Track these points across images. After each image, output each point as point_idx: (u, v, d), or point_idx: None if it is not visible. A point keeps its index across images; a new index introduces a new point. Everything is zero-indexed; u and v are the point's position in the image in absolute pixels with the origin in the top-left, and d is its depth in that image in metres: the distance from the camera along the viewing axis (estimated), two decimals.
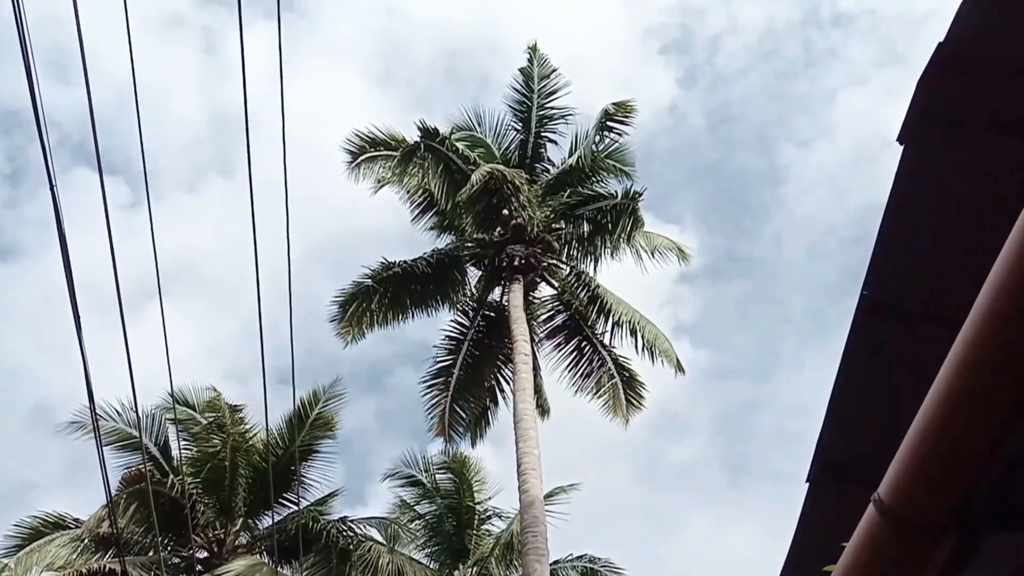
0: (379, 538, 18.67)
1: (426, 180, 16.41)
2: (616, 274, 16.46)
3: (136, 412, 13.12)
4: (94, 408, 6.71)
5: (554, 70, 17.02)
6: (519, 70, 17.04)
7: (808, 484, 4.09)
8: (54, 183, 4.83)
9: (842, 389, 3.71)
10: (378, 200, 17.26)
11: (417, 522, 19.98)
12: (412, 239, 17.28)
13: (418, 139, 15.68)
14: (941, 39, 3.01)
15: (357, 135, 16.50)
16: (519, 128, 17.21)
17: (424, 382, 16.60)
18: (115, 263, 5.47)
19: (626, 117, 15.93)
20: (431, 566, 19.26)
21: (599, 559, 18.96)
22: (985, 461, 1.91)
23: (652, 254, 16.50)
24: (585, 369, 16.52)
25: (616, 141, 16.31)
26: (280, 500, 17.92)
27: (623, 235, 15.45)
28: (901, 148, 3.28)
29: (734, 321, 43.63)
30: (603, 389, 16.34)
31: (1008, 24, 3.11)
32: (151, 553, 17.21)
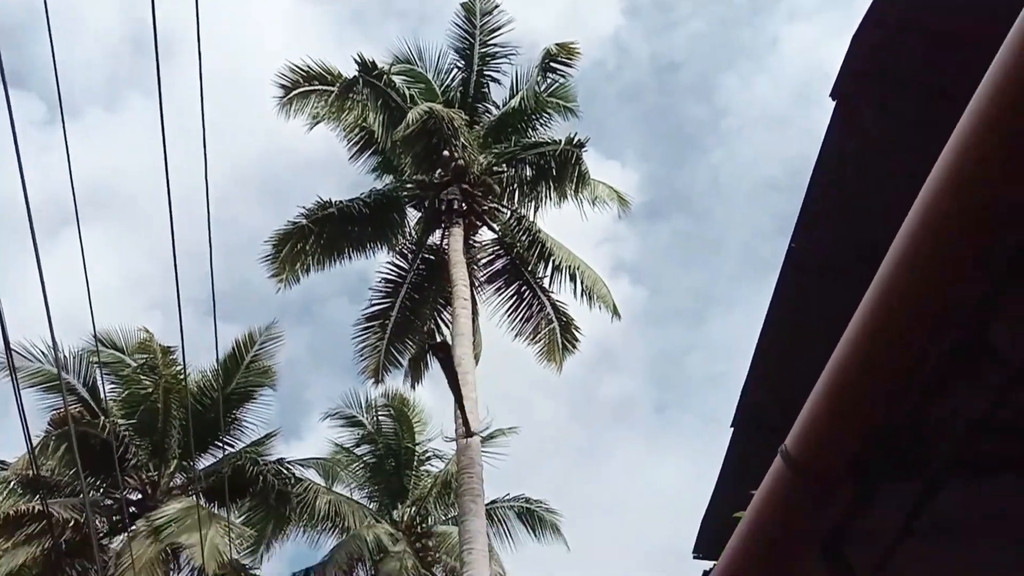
0: (317, 479, 18.78)
1: (364, 117, 15.95)
2: (556, 214, 16.42)
3: (56, 353, 12.74)
4: (10, 353, 6.45)
5: (496, 6, 16.62)
6: (460, 5, 16.58)
7: (732, 430, 4.23)
8: None
9: (766, 339, 3.81)
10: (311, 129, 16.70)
11: (357, 464, 20.11)
12: (345, 168, 16.83)
13: (356, 73, 15.17)
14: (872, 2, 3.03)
15: (291, 68, 15.88)
16: (461, 66, 16.83)
17: (358, 324, 16.47)
18: (28, 203, 5.19)
19: (569, 59, 15.72)
20: (369, 506, 19.48)
21: (535, 500, 19.44)
22: (880, 417, 1.99)
23: (593, 203, 16.51)
24: (525, 314, 16.61)
25: (559, 82, 16.12)
26: (216, 442, 17.79)
27: (569, 187, 15.42)
28: (833, 103, 3.32)
29: (672, 259, 44.45)
30: (541, 334, 16.49)
31: None
32: (81, 495, 16.96)
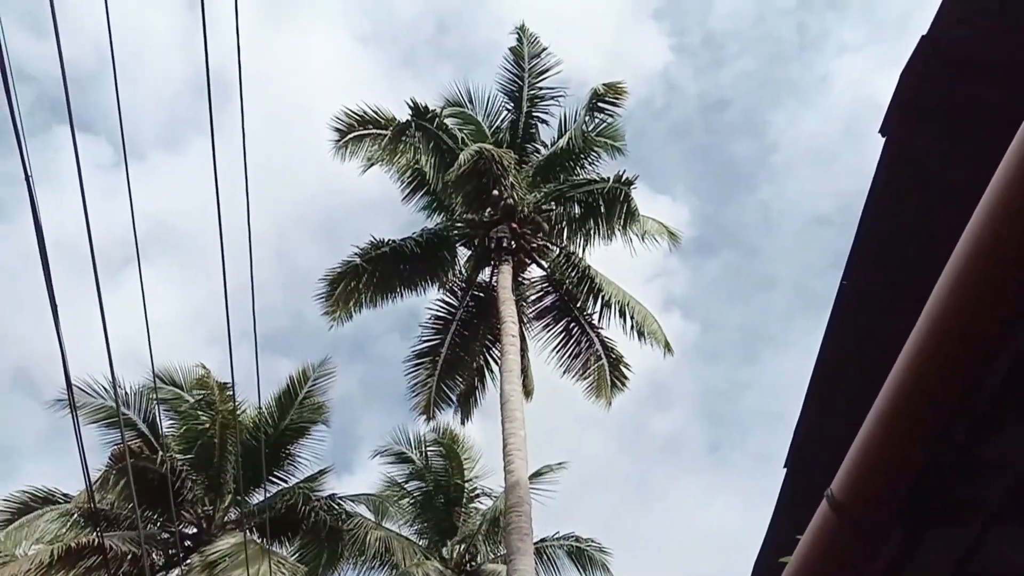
0: (368, 514, 18.84)
1: (416, 159, 16.33)
2: (606, 251, 16.48)
3: (115, 390, 13.11)
4: (72, 397, 6.69)
5: (544, 49, 16.92)
6: (509, 50, 16.93)
7: (785, 470, 4.17)
8: (24, 146, 4.79)
9: (819, 378, 3.76)
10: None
11: (406, 499, 20.14)
12: (398, 206, 17.17)
13: (409, 117, 15.57)
14: (924, 32, 3.03)
15: (346, 113, 16.38)
16: (510, 108, 17.13)
17: (408, 360, 16.64)
18: (92, 247, 5.43)
19: (616, 98, 15.87)
20: (419, 542, 19.44)
21: (584, 539, 19.18)
22: (931, 461, 1.96)
23: (643, 238, 16.51)
24: (573, 350, 16.59)
25: (606, 121, 16.26)
26: (270, 478, 18.03)
27: (617, 224, 15.46)
28: (883, 140, 3.31)
29: (723, 295, 43.93)
30: (589, 371, 16.43)
31: (991, 18, 3.13)
32: (139, 529, 17.29)
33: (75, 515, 17.44)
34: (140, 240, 5.90)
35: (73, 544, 15.77)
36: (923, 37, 3.03)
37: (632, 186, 14.91)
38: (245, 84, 5.50)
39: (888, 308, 3.67)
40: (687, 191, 43.18)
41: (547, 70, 16.82)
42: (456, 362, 16.48)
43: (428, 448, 19.95)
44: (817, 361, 3.79)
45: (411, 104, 15.36)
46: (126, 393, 17.41)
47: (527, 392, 16.73)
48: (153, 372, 15.29)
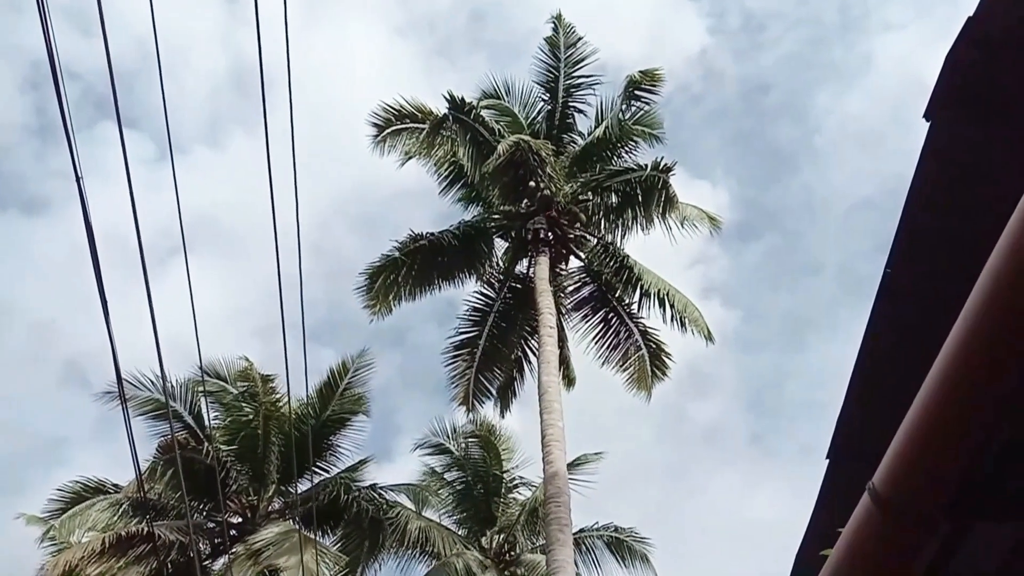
0: (408, 504, 19.04)
1: (453, 152, 16.40)
2: (644, 239, 16.33)
3: (164, 383, 13.38)
4: (123, 390, 6.86)
5: (580, 39, 16.83)
6: (544, 39, 16.86)
7: (827, 461, 4.12)
8: (74, 145, 4.91)
9: (862, 369, 3.71)
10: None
11: (445, 489, 20.31)
12: (435, 196, 17.27)
13: (446, 110, 15.62)
14: (971, 13, 2.96)
15: (383, 108, 16.49)
16: (546, 98, 17.07)
17: (447, 352, 16.75)
18: (140, 242, 5.57)
19: (653, 85, 15.72)
20: (459, 532, 19.60)
21: (624, 529, 19.15)
22: (977, 454, 1.92)
23: (682, 224, 16.36)
24: (612, 341, 16.53)
25: (643, 109, 16.12)
26: (313, 468, 18.31)
27: (656, 211, 15.32)
28: (927, 124, 3.25)
29: (765, 281, 43.39)
30: (629, 361, 16.36)
31: None
32: (187, 519, 17.71)
33: (125, 505, 17.93)
34: (172, 235, 6.02)
35: (123, 533, 16.21)
36: (969, 19, 2.97)
37: (671, 173, 14.78)
38: (284, 78, 5.59)
39: (932, 296, 3.61)
40: (727, 175, 42.68)
41: (583, 59, 16.74)
42: (494, 354, 16.54)
43: (466, 439, 20.09)
44: (860, 350, 3.74)
45: (448, 97, 15.41)
46: (173, 386, 17.81)
47: (569, 381, 16.72)
48: (200, 364, 15.63)
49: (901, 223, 3.44)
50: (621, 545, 18.95)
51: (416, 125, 16.63)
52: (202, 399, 18.40)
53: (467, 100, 15.71)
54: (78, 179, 4.69)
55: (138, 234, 5.87)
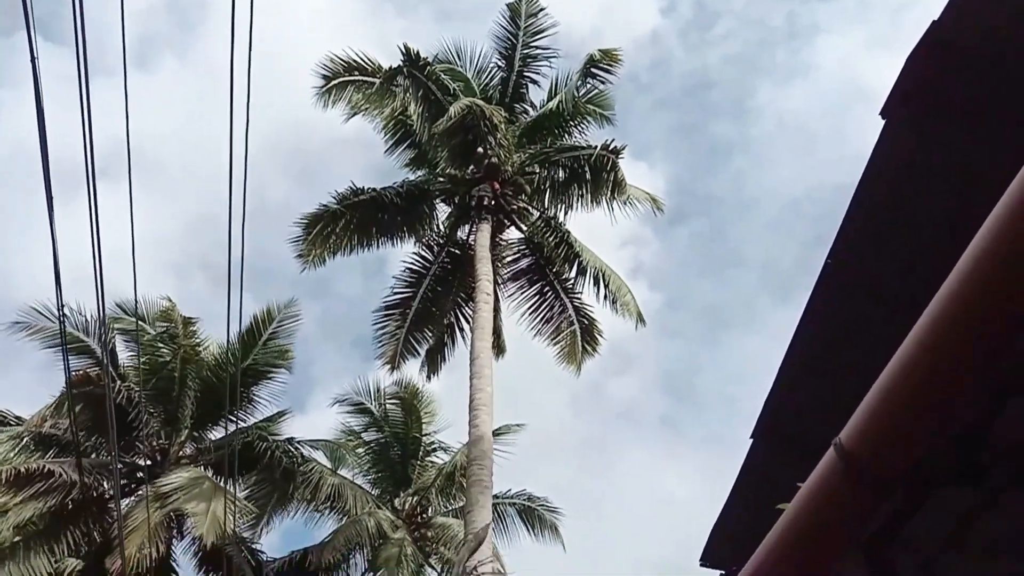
0: (324, 461, 18.90)
1: (402, 110, 16.10)
2: (582, 214, 16.41)
3: (60, 315, 12.86)
4: (64, 325, 6.55)
5: (542, 9, 16.70)
6: (506, 5, 16.67)
7: (752, 439, 4.24)
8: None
9: (795, 352, 3.82)
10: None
11: (362, 448, 20.22)
12: (372, 146, 16.97)
13: (400, 63, 15.29)
14: (935, 18, 3.03)
15: (331, 59, 16.07)
16: (501, 66, 16.91)
17: (378, 311, 16.58)
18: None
19: (611, 65, 15.74)
20: (373, 492, 19.57)
21: (537, 497, 19.45)
22: (946, 421, 1.99)
23: (625, 204, 16.51)
24: (546, 314, 16.65)
25: (597, 88, 16.15)
26: (230, 416, 17.95)
27: (604, 191, 15.41)
28: (882, 122, 3.33)
29: (692, 265, 44.40)
30: (561, 335, 16.51)
31: (1001, 11, 3.14)
32: (93, 456, 17.18)
33: (26, 438, 17.25)
34: (99, 161, 5.71)
35: (23, 469, 15.61)
36: (933, 23, 3.04)
37: (620, 156, 14.88)
38: (221, 9, 5.35)
39: (870, 289, 3.74)
40: (664, 159, 43.33)
41: (543, 30, 16.63)
42: (426, 316, 16.45)
43: (388, 400, 20.01)
44: (795, 335, 3.84)
45: (403, 49, 15.09)
46: (86, 320, 17.15)
47: (500, 351, 16.78)
48: (98, 293, 15.06)
49: (848, 215, 3.54)
50: (532, 514, 19.25)
51: (365, 79, 16.25)
52: (118, 336, 17.80)
53: (422, 55, 15.42)
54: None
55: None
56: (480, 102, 14.93)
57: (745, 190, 44.29)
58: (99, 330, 17.34)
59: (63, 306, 6.10)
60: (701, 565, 4.86)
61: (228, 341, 14.02)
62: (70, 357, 17.16)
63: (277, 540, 28.71)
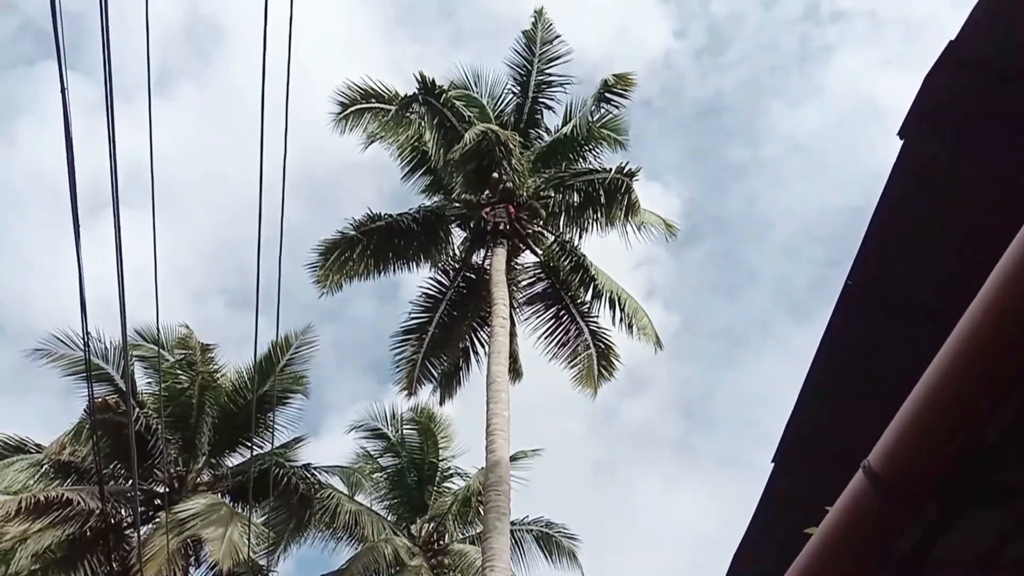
0: (341, 486, 18.86)
1: (418, 136, 16.27)
2: (596, 237, 16.42)
3: (85, 342, 12.94)
4: (89, 362, 6.60)
5: (557, 36, 16.87)
6: (522, 32, 16.86)
7: (773, 462, 4.19)
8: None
9: (817, 373, 3.77)
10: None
11: (379, 474, 20.18)
12: (386, 170, 17.08)
13: (416, 91, 15.48)
14: (952, 38, 3.03)
15: (349, 86, 16.28)
16: (516, 92, 17.06)
17: (395, 336, 16.64)
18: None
19: (625, 90, 15.84)
20: (389, 518, 19.49)
21: (555, 524, 19.29)
22: (974, 441, 1.96)
23: (639, 229, 16.55)
24: (562, 338, 16.63)
25: (612, 113, 16.24)
26: (244, 442, 17.97)
27: (618, 215, 15.45)
28: (901, 143, 3.32)
29: (707, 292, 44.25)
30: (578, 359, 16.47)
31: (1018, 29, 3.13)
32: (111, 484, 17.22)
33: (46, 465, 17.34)
34: (121, 184, 5.79)
35: (42, 497, 15.65)
36: (950, 43, 3.03)
37: (635, 178, 14.92)
38: (235, 35, 5.45)
39: (891, 310, 3.70)
40: (679, 180, 43.34)
41: (558, 57, 16.78)
42: (443, 341, 16.47)
43: (404, 425, 19.99)
44: (816, 356, 3.80)
45: (419, 78, 15.27)
46: (105, 348, 17.27)
47: (517, 375, 16.76)
48: (123, 322, 15.16)
49: (867, 235, 3.51)
50: (550, 540, 19.09)
51: (381, 106, 16.45)
52: (136, 363, 17.91)
53: (437, 83, 15.59)
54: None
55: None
56: (495, 127, 15.06)
57: (759, 211, 44.23)
58: (119, 357, 17.47)
59: (88, 335, 6.13)
60: None
61: (255, 361, 14.05)
62: (87, 384, 17.32)
63: (293, 569, 28.57)
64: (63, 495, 15.79)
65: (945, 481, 1.94)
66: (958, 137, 3.38)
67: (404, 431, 20.08)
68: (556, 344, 16.63)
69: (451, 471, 20.24)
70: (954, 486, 2.07)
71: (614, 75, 15.71)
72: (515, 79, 16.97)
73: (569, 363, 16.50)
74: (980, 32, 3.01)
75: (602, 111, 16.04)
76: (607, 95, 15.85)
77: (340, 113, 16.42)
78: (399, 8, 41.64)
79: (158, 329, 15.96)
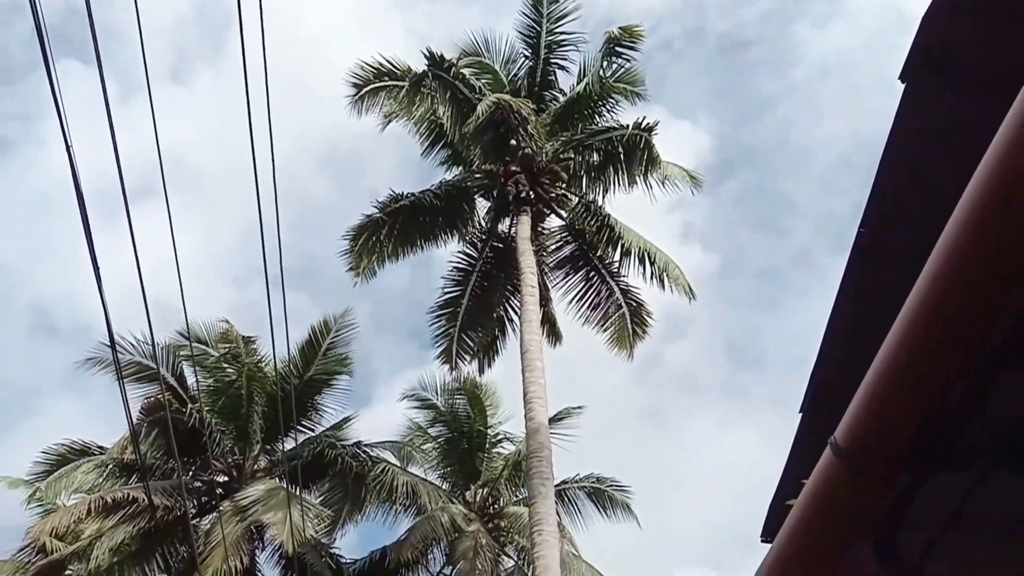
0: (393, 459, 19.29)
1: (433, 110, 16.26)
2: (623, 194, 16.33)
3: (152, 343, 13.37)
4: (115, 350, 6.88)
5: None
6: None
7: (800, 415, 4.26)
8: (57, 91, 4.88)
9: (836, 326, 3.82)
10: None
11: (430, 444, 20.57)
12: (404, 139, 17.06)
13: (425, 67, 15.44)
14: None
15: (361, 66, 16.28)
16: (528, 55, 16.90)
17: (431, 311, 16.85)
18: (126, 198, 5.54)
19: (633, 42, 15.59)
20: (443, 486, 19.91)
21: (605, 478, 19.54)
22: (933, 407, 2.03)
23: (663, 183, 16.42)
24: (593, 300, 16.67)
25: (624, 67, 16.01)
26: (297, 427, 18.46)
27: (638, 171, 15.34)
28: (902, 86, 3.30)
29: (744, 221, 43.72)
30: (610, 320, 16.52)
31: None
32: (174, 477, 17.85)
33: (111, 465, 18.03)
34: (145, 175, 5.99)
35: (109, 499, 16.30)
36: None
37: (653, 132, 14.77)
38: (247, 13, 5.51)
39: (905, 257, 3.71)
40: (708, 115, 42.60)
41: (566, 14, 16.56)
42: (477, 313, 16.63)
43: (452, 394, 20.28)
44: (833, 310, 3.84)
45: (427, 54, 15.21)
46: (152, 348, 17.75)
47: (556, 338, 16.90)
48: (186, 320, 15.56)
49: (875, 184, 3.52)
50: (602, 495, 19.35)
51: (395, 83, 16.44)
52: (184, 362, 18.41)
53: (447, 57, 15.54)
54: (68, 148, 4.65)
55: (122, 183, 5.84)
56: (507, 96, 14.98)
57: (792, 138, 43.43)
58: (168, 356, 18.00)
59: (115, 343, 6.38)
60: (763, 541, 4.89)
61: (274, 351, 14.36)
62: (142, 385, 17.88)
63: (355, 541, 29.39)
64: (128, 494, 16.44)
65: (908, 450, 2.02)
66: (961, 80, 3.36)
67: (452, 401, 20.37)
68: (588, 307, 16.68)
69: (500, 436, 20.53)
70: (917, 454, 2.15)
71: (619, 28, 15.47)
72: (525, 41, 16.80)
73: (602, 325, 16.56)
74: None
75: (614, 65, 15.84)
76: (616, 49, 15.63)
77: (355, 95, 16.47)
78: None
79: (187, 325, 16.31)
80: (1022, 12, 3.12)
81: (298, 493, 17.16)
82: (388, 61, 16.41)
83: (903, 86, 3.27)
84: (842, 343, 3.86)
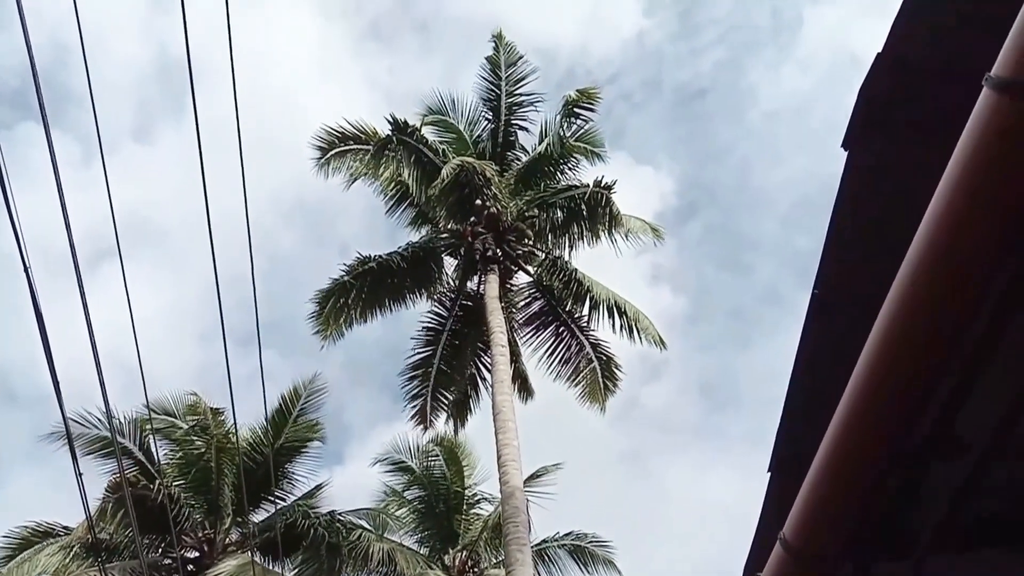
0: (369, 527, 18.88)
1: (398, 172, 16.46)
2: (587, 248, 16.56)
3: (109, 420, 13.07)
4: (67, 422, 6.71)
5: (520, 57, 17.08)
6: (486, 59, 17.06)
7: (769, 472, 4.28)
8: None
9: (797, 386, 3.87)
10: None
11: (405, 508, 20.20)
12: (372, 197, 17.22)
13: (390, 132, 15.68)
14: (880, 50, 3.14)
15: (325, 130, 16.53)
16: (489, 117, 17.25)
17: (403, 374, 16.78)
18: (77, 265, 5.49)
19: (590, 104, 16.04)
20: (421, 551, 19.51)
21: (586, 534, 19.30)
22: (872, 503, 2.09)
23: (626, 237, 16.68)
24: (563, 355, 16.72)
25: (583, 127, 16.40)
26: (268, 497, 18.06)
27: (602, 226, 15.62)
28: (846, 154, 3.42)
29: (710, 258, 44.27)
30: (582, 374, 16.55)
31: (946, 30, 3.25)
32: (146, 554, 17.30)
33: (76, 547, 17.44)
34: (111, 236, 5.95)
35: None
36: (878, 55, 3.15)
37: (612, 190, 15.07)
38: (210, 69, 5.57)
39: (859, 319, 3.80)
40: (669, 159, 43.48)
41: (523, 77, 16.98)
42: (449, 372, 16.58)
43: (428, 456, 20.02)
44: (793, 369, 3.90)
45: (391, 120, 15.50)
46: (120, 423, 17.41)
47: (529, 393, 16.89)
48: (147, 397, 15.25)
49: (825, 246, 3.61)
50: (583, 552, 19.10)
51: (360, 147, 16.67)
52: (151, 436, 18.03)
53: (410, 122, 15.81)
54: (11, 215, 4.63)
55: (72, 248, 5.78)
56: (470, 159, 15.24)
57: (752, 177, 44.42)
58: (134, 431, 17.61)
59: (68, 426, 6.25)
60: None
61: (235, 423, 14.15)
62: (108, 461, 17.47)
63: None
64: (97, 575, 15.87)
65: (850, 542, 2.07)
66: (903, 141, 3.49)
67: (427, 463, 20.10)
68: (559, 362, 16.72)
69: (477, 497, 20.27)
70: (858, 548, 2.20)
71: (577, 91, 15.91)
72: (486, 104, 17.15)
73: (573, 380, 16.59)
74: (907, 39, 3.13)
75: (574, 127, 16.21)
76: (575, 110, 16.02)
77: (320, 158, 16.68)
78: (365, 22, 41.95)
79: (147, 404, 16.02)
80: (963, 62, 3.27)
81: (271, 567, 16.72)
82: (352, 125, 16.67)
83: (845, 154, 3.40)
84: (802, 405, 3.92)
